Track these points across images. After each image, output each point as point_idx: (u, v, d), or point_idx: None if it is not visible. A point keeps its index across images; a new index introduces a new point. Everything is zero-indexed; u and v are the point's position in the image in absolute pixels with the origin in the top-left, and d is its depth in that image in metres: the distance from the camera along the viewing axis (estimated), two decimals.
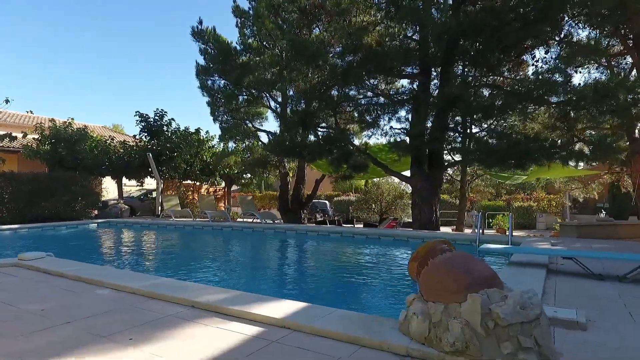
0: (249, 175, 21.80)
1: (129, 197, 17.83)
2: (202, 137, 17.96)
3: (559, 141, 9.00)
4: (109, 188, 20.46)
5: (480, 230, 6.48)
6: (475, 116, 9.23)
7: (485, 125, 9.70)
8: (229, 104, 13.64)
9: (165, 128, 15.30)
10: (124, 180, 16.67)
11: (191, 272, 5.33)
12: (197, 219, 12.55)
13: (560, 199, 21.94)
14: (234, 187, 25.85)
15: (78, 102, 70.82)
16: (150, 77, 76.66)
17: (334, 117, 11.31)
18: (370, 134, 11.74)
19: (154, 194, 16.27)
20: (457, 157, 10.83)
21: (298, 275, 5.37)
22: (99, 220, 11.59)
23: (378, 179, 17.72)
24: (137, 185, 18.24)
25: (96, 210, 13.47)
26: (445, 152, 10.32)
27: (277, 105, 14.59)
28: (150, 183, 17.36)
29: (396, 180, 21.78)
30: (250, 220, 12.68)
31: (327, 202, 20.31)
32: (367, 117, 10.64)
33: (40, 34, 64.83)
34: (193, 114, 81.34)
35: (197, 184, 19.24)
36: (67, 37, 66.88)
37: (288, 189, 15.55)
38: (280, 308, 2.80)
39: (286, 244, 8.50)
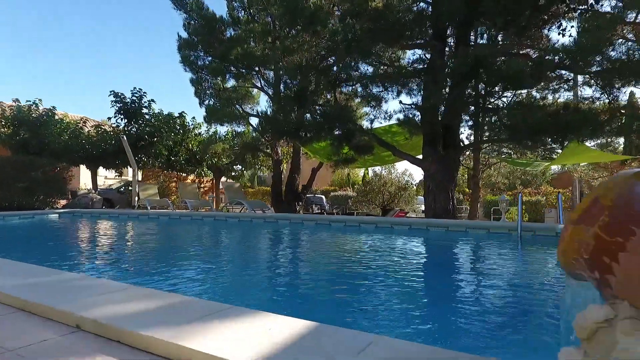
0: (239, 167, 20.33)
1: (107, 189, 16.19)
2: (186, 123, 16.40)
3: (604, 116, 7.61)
4: (87, 181, 18.86)
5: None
6: (502, 85, 7.80)
7: (511, 97, 8.27)
8: (215, 81, 12.10)
9: (144, 110, 13.70)
10: (104, 172, 15.08)
11: (141, 272, 3.82)
12: (179, 210, 11.02)
13: (570, 193, 20.74)
14: (223, 179, 24.30)
15: (54, 92, 67.72)
16: (135, 67, 74.00)
17: (334, 92, 9.85)
18: (375, 113, 10.25)
19: None
20: (479, 134, 9.39)
21: (294, 277, 3.80)
22: (61, 211, 10.00)
23: (380, 168, 16.34)
24: (116, 176, 16.64)
25: (64, 201, 11.86)
26: (464, 130, 8.85)
27: (269, 87, 13.10)
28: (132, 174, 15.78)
29: (399, 170, 20.36)
30: (243, 211, 11.15)
31: (323, 196, 18.87)
32: (373, 91, 9.17)
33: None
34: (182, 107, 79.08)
35: (184, 175, 17.64)
36: (49, 25, 64.48)
37: (281, 178, 14.06)
38: (265, 336, 1.33)
39: (278, 235, 6.98)
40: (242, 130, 14.05)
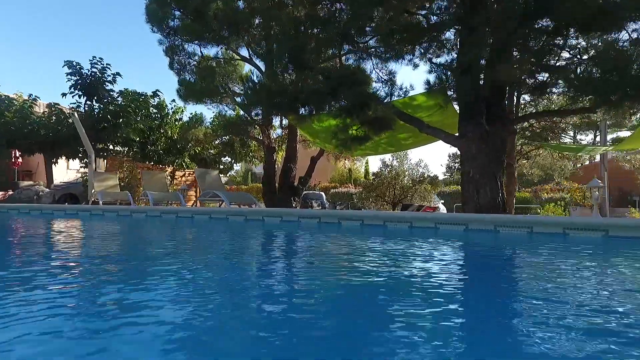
0: (228, 159, 17.97)
1: (71, 183, 13.78)
2: (165, 106, 14.04)
3: None
4: (58, 175, 16.43)
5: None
6: (583, 24, 5.47)
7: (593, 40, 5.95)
8: (192, 49, 9.77)
9: (108, 87, 11.33)
10: (76, 164, 12.71)
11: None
12: (145, 205, 8.66)
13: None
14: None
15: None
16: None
17: (340, 51, 7.54)
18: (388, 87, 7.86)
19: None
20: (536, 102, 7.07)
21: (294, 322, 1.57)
22: None
23: (391, 158, 14.02)
24: (82, 167, 14.24)
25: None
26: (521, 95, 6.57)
27: (258, 59, 10.78)
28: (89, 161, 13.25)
29: (412, 160, 18.00)
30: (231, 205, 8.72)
31: (322, 193, 16.60)
32: (394, 45, 6.85)
33: None
34: None
35: (163, 167, 15.25)
36: None
37: (275, 169, 11.74)
38: None
39: (264, 240, 4.60)
40: (227, 112, 11.72)
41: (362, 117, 6.87)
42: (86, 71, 10.76)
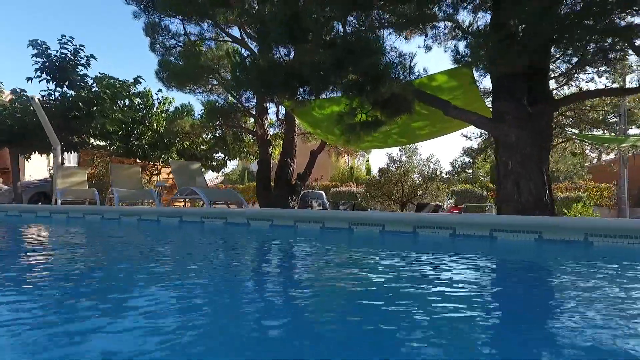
0: (221, 155, 16.63)
1: (44, 181, 12.43)
2: (150, 96, 12.72)
3: None
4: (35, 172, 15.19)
5: None
6: None
7: None
8: (173, 22, 8.44)
9: (82, 70, 10.00)
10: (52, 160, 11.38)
11: None
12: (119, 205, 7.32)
13: (614, 187, 17.31)
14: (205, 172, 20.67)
15: None
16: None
17: (345, 19, 6.21)
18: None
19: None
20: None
21: None
22: None
23: (400, 153, 12.66)
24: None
25: None
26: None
27: (251, 41, 9.47)
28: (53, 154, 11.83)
29: (423, 156, 16.84)
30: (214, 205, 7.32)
31: (323, 192, 15.31)
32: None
33: None
34: None
35: (150, 164, 13.90)
36: None
37: (270, 164, 10.44)
38: None
39: (241, 255, 3.23)
40: (217, 100, 10.38)
41: (374, 95, 5.54)
42: (54, 52, 9.42)
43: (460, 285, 1.91)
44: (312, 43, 5.85)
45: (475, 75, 6.60)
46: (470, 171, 22.68)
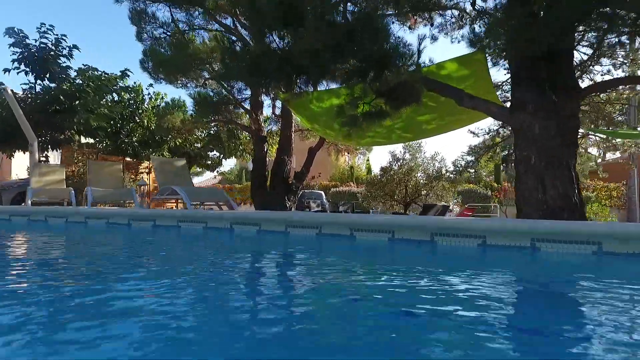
0: (216, 153, 15.98)
1: (27, 180, 11.80)
2: (140, 89, 12.07)
3: None
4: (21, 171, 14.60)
5: None
6: None
7: None
8: (160, 8, 7.80)
9: (64, 62, 9.36)
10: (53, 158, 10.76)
11: None
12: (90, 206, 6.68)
13: (624, 187, 16.70)
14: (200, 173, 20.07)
15: None
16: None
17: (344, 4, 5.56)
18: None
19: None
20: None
21: None
22: None
23: (403, 150, 12.07)
24: (43, 161, 12.26)
25: None
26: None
27: (246, 31, 8.83)
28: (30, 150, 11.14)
29: (427, 154, 16.46)
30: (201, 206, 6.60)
31: (322, 192, 14.68)
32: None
33: None
34: None
35: (149, 163, 13.27)
36: None
37: (266, 162, 9.79)
38: None
39: (213, 277, 2.55)
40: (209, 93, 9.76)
41: (379, 82, 4.91)
42: (33, 42, 8.77)
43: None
44: (309, 27, 5.21)
45: (489, 63, 5.98)
46: (472, 171, 22.07)
